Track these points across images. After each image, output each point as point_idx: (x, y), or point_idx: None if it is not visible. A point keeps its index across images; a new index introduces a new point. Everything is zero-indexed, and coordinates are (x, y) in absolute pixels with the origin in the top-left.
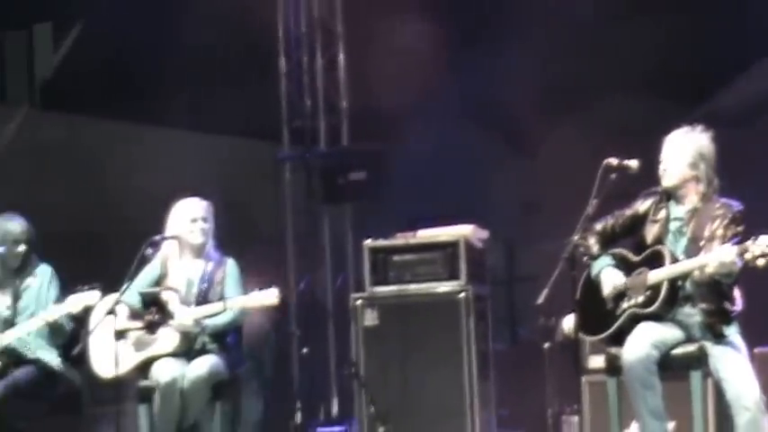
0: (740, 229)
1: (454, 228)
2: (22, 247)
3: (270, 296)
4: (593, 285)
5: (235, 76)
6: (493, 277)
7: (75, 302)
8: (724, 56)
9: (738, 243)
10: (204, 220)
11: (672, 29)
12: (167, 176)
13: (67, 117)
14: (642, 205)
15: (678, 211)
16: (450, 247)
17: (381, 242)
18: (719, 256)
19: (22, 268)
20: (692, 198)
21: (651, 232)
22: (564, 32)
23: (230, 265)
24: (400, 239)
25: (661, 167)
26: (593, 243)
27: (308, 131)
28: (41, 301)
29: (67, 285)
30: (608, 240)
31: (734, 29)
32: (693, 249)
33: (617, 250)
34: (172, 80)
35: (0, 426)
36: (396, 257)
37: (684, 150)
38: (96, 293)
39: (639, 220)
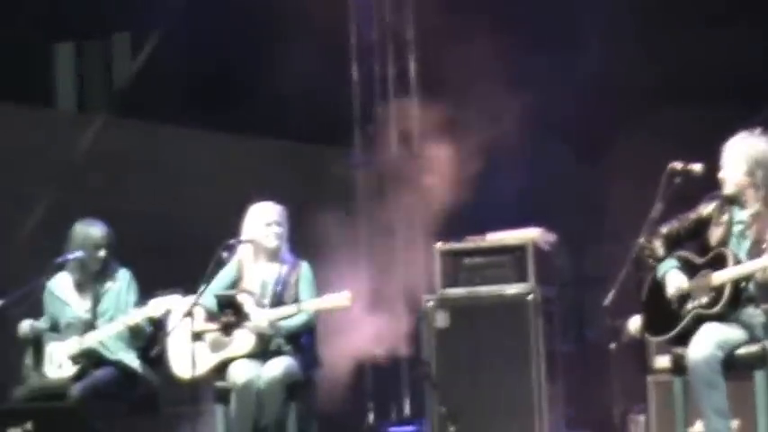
0: None
1: (522, 231)
2: (102, 252)
3: (343, 298)
4: (658, 287)
5: (308, 83)
6: (561, 279)
7: (157, 306)
8: None
9: None
10: (278, 224)
11: (737, 38)
12: (243, 182)
13: (145, 125)
14: (706, 209)
15: (741, 214)
16: (518, 250)
17: (452, 245)
18: None
19: (102, 272)
20: (753, 202)
21: (715, 235)
22: (629, 40)
23: (304, 268)
24: (470, 242)
25: (720, 174)
26: (658, 246)
27: (380, 137)
28: (121, 304)
29: (146, 290)
30: (673, 243)
31: None
32: (756, 252)
33: (681, 252)
34: (247, 88)
35: (80, 425)
36: (466, 260)
37: (741, 157)
38: (177, 297)
39: (703, 224)
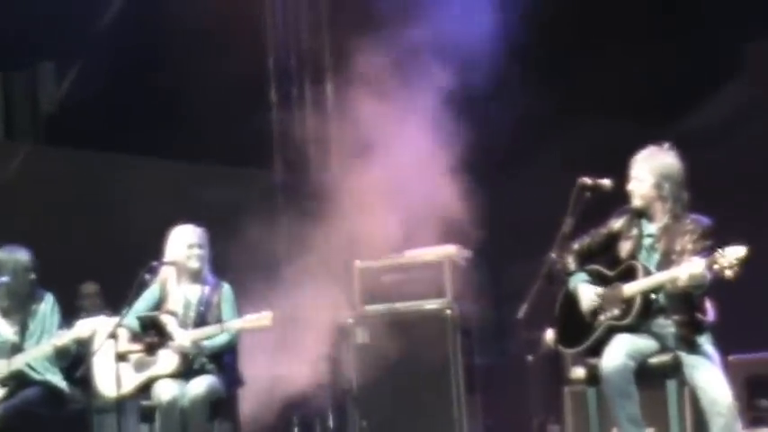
0: (710, 243)
1: (439, 248)
2: (31, 276)
3: (264, 318)
4: (571, 300)
5: (228, 107)
6: (477, 294)
7: (84, 328)
8: (694, 78)
9: (708, 256)
10: (200, 246)
11: (645, 55)
12: (166, 205)
13: (71, 151)
14: (616, 223)
15: (650, 227)
16: (435, 267)
17: (371, 263)
18: (690, 268)
19: (29, 296)
20: (661, 215)
21: (625, 248)
22: (540, 63)
23: (226, 288)
24: (388, 260)
25: (629, 187)
26: (570, 261)
27: (299, 160)
28: (47, 327)
29: (71, 312)
30: (585, 258)
31: (703, 52)
32: (666, 264)
33: (592, 266)
34: (170, 112)
35: None
36: (384, 277)
37: (649, 171)
38: (104, 319)
39: (614, 238)
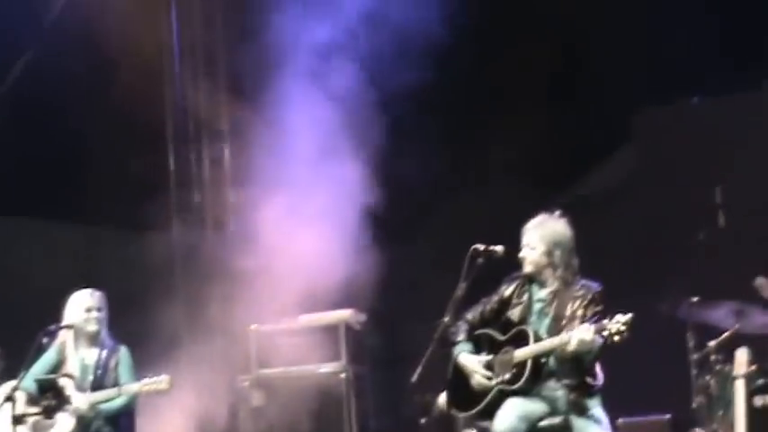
0: (599, 308)
1: (335, 312)
2: None
3: (162, 382)
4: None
5: (127, 171)
6: (372, 358)
7: None
8: (586, 147)
9: (597, 322)
10: (98, 309)
11: (538, 125)
12: (65, 268)
13: None
14: (507, 289)
15: (541, 293)
16: (331, 331)
17: (267, 326)
18: (579, 334)
19: None
20: (551, 281)
21: (516, 313)
22: (439, 126)
23: (123, 352)
24: (284, 323)
25: (521, 254)
26: (459, 330)
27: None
28: None
29: None
30: (478, 327)
31: (594, 121)
32: (556, 329)
33: (484, 331)
34: (71, 177)
35: None
36: (281, 341)
37: (540, 238)
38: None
39: (505, 303)
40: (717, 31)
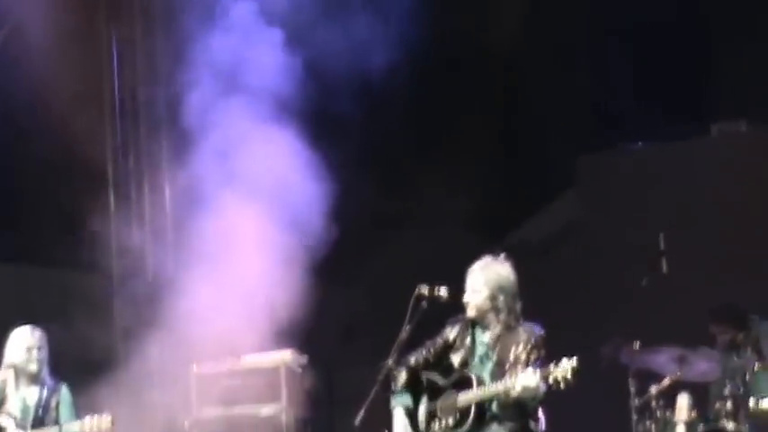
0: (543, 352)
1: (275, 353)
2: None
3: (104, 421)
4: (406, 410)
5: (66, 210)
6: (312, 399)
7: None
8: (529, 190)
9: (541, 366)
10: (39, 348)
11: (482, 168)
12: (3, 308)
13: None
14: (450, 333)
15: (484, 337)
16: (271, 372)
17: (208, 367)
18: (524, 380)
19: None
20: (495, 325)
21: (458, 357)
22: (381, 169)
23: (64, 391)
24: (225, 364)
25: (465, 298)
26: (401, 377)
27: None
28: None
29: None
30: (421, 371)
31: (537, 166)
32: (499, 373)
33: (426, 375)
34: (11, 217)
35: None
36: (221, 381)
37: (484, 282)
38: None
39: (448, 347)
40: (664, 78)
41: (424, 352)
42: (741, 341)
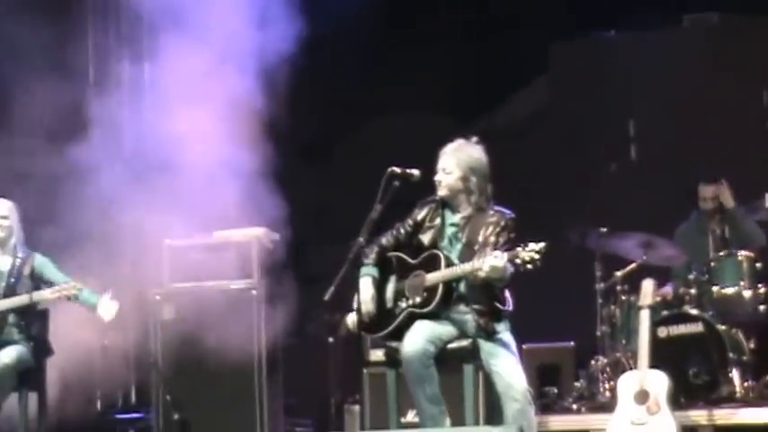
0: (512, 235)
1: (248, 230)
2: None
3: (72, 288)
4: (373, 280)
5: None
6: (283, 276)
7: None
8: (501, 76)
9: (509, 249)
10: (5, 217)
11: (455, 53)
12: None
13: None
14: (420, 213)
15: (454, 218)
16: (243, 248)
17: (180, 241)
18: (492, 261)
19: None
20: (465, 207)
21: (427, 237)
22: (357, 52)
23: (38, 258)
24: (197, 239)
25: (436, 178)
26: (371, 252)
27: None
28: None
29: None
30: (390, 250)
31: (511, 52)
32: (468, 254)
33: (394, 254)
34: None
35: None
36: (193, 256)
37: (455, 164)
38: None
39: (418, 226)
40: None
41: (394, 232)
42: (722, 216)
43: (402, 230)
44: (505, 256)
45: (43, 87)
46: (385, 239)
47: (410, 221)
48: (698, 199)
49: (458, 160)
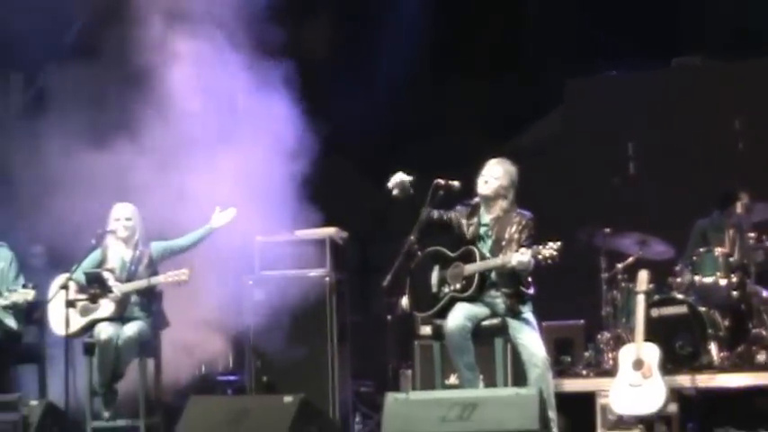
0: (532, 232)
1: (322, 229)
2: None
3: (183, 274)
4: (422, 276)
5: None
6: (351, 267)
7: (28, 292)
8: (526, 106)
9: (530, 244)
10: (127, 219)
11: (489, 88)
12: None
13: None
14: (460, 212)
15: (486, 218)
16: (319, 243)
17: (269, 237)
18: (519, 257)
19: None
20: (496, 209)
21: (470, 232)
22: (406, 86)
23: (155, 247)
24: (282, 236)
25: (482, 180)
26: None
27: None
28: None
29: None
30: (442, 219)
31: (533, 88)
32: (497, 248)
33: (436, 248)
34: None
35: None
36: (278, 249)
37: (503, 172)
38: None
39: (458, 222)
40: (637, 17)
41: (452, 213)
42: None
43: (454, 215)
44: (529, 252)
45: None
46: (448, 214)
47: (460, 214)
48: (733, 202)
49: (504, 171)
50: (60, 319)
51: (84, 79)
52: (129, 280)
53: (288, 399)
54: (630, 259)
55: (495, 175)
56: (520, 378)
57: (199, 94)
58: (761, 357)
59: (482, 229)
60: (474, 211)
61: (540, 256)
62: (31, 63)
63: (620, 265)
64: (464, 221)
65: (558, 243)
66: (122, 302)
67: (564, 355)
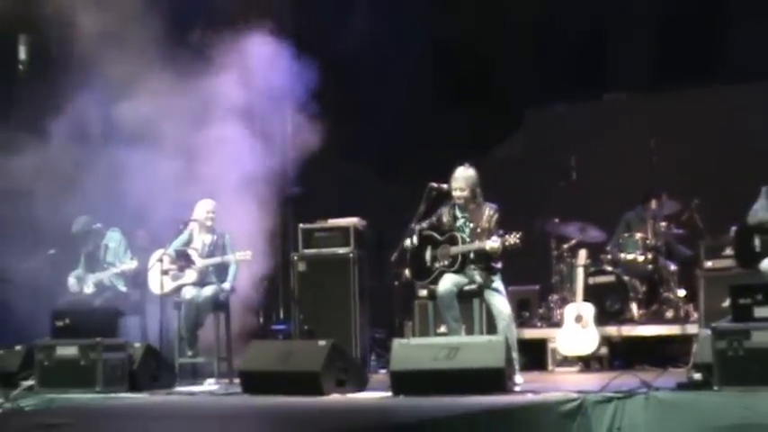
0: (499, 219)
1: (348, 219)
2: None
3: (247, 254)
4: (419, 253)
5: None
6: (369, 246)
7: (132, 263)
8: (497, 128)
9: (499, 233)
10: (210, 212)
11: (470, 113)
12: None
13: None
14: (444, 209)
15: (464, 212)
16: (345, 229)
17: (308, 225)
18: (492, 243)
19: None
20: (470, 206)
21: (448, 223)
22: (404, 110)
23: (227, 237)
24: (319, 224)
25: (457, 188)
26: (413, 233)
27: None
28: (119, 255)
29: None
30: (426, 230)
31: (501, 114)
32: (474, 234)
33: (429, 233)
34: None
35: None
36: (316, 234)
37: (466, 184)
38: (158, 251)
39: (441, 218)
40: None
41: (429, 220)
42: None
43: (434, 219)
44: (500, 240)
45: None
46: (425, 224)
47: (439, 215)
48: (650, 199)
49: (465, 182)
50: (157, 283)
51: None
52: (208, 257)
53: (322, 343)
54: (573, 241)
55: (463, 185)
56: (491, 329)
57: None
58: (669, 314)
59: (461, 221)
60: (453, 207)
61: (507, 243)
62: None
63: (565, 246)
64: (447, 217)
65: (520, 233)
66: (202, 272)
67: (524, 311)
